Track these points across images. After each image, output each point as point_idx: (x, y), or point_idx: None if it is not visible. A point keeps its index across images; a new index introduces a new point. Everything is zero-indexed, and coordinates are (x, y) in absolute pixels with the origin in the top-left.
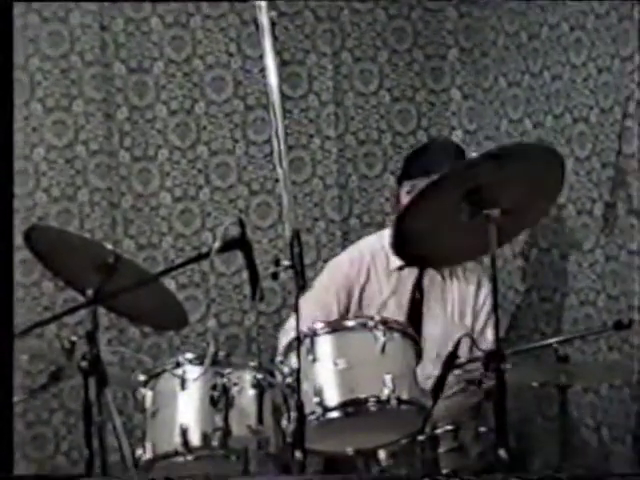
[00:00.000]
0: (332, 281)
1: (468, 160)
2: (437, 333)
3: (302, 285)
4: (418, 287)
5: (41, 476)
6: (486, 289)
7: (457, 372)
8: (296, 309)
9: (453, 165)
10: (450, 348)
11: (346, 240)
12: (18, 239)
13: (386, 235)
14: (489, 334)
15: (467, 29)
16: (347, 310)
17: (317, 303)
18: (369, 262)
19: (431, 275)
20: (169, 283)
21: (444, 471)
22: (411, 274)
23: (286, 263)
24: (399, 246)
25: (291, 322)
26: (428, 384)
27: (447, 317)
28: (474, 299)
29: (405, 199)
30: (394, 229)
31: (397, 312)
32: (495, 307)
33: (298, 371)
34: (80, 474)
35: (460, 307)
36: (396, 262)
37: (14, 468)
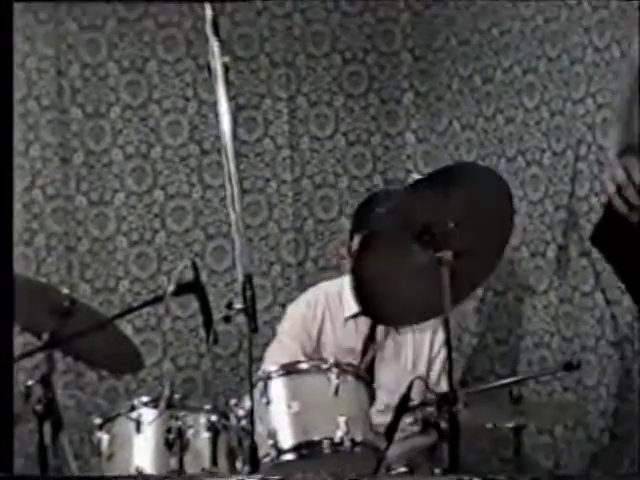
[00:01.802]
0: (292, 327)
1: (408, 185)
2: (389, 382)
3: (254, 328)
4: (371, 337)
5: (41, 476)
6: (441, 336)
7: (410, 415)
8: (250, 352)
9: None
10: (398, 395)
11: (302, 284)
12: None
13: (342, 282)
14: (444, 384)
15: (422, 73)
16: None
17: (282, 350)
18: (324, 306)
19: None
20: (125, 327)
21: None
22: (365, 323)
23: (238, 306)
24: (362, 302)
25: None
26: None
27: (400, 366)
28: (429, 347)
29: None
30: (352, 285)
31: (350, 359)
32: (449, 350)
33: (251, 413)
34: (80, 474)
35: (414, 355)
36: (350, 310)
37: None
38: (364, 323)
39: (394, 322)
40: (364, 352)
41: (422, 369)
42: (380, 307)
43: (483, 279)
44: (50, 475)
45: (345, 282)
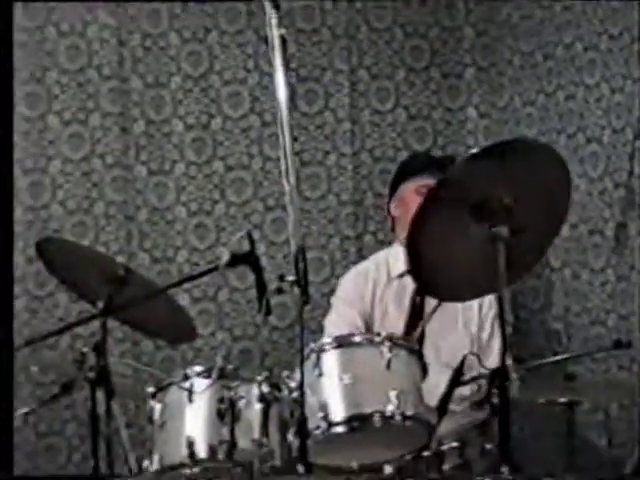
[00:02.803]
0: (347, 295)
1: (468, 155)
2: (439, 340)
3: (305, 300)
4: (419, 292)
5: (41, 477)
6: (490, 297)
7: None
8: (300, 323)
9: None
10: (454, 355)
11: (360, 257)
12: (32, 251)
13: (394, 247)
14: (495, 346)
15: (484, 48)
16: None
17: (341, 319)
18: (373, 274)
19: None
20: (183, 297)
21: None
22: (412, 281)
23: (291, 278)
24: (417, 275)
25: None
26: (435, 391)
27: (451, 322)
28: (479, 306)
29: (412, 197)
30: (407, 253)
31: (398, 318)
32: (502, 325)
33: (301, 385)
34: (79, 475)
35: (464, 314)
36: (397, 270)
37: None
38: (411, 282)
39: (445, 296)
40: (411, 309)
41: (473, 329)
42: (432, 279)
43: (539, 258)
44: (52, 475)
45: (393, 248)
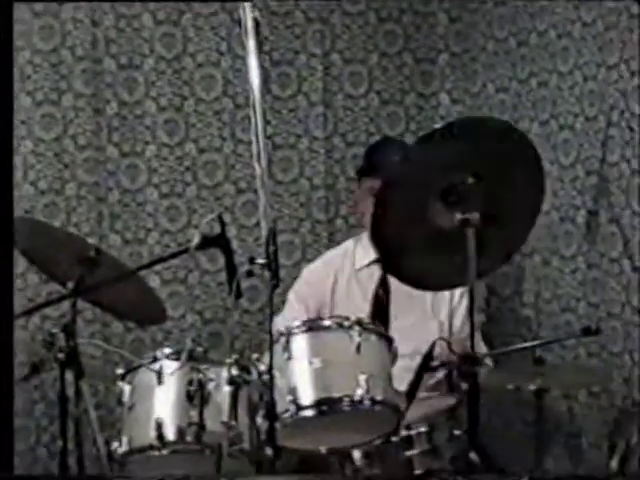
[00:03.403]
0: (300, 289)
1: (421, 136)
2: (407, 328)
3: (276, 284)
4: (382, 284)
5: (41, 476)
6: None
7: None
8: (270, 306)
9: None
10: (421, 343)
11: (332, 241)
12: None
13: (362, 237)
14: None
15: (457, 34)
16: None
17: (288, 313)
18: (338, 264)
19: None
20: (153, 279)
21: (417, 472)
22: (376, 272)
23: (261, 261)
24: (382, 254)
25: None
26: (400, 377)
27: (418, 311)
28: (450, 293)
29: (362, 198)
30: (373, 241)
31: (362, 310)
32: (471, 312)
33: (270, 369)
34: (80, 475)
35: (433, 301)
36: (362, 261)
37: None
38: (376, 271)
39: (412, 283)
40: (375, 300)
41: (443, 317)
42: (400, 265)
43: (515, 247)
44: (51, 475)
45: (361, 237)
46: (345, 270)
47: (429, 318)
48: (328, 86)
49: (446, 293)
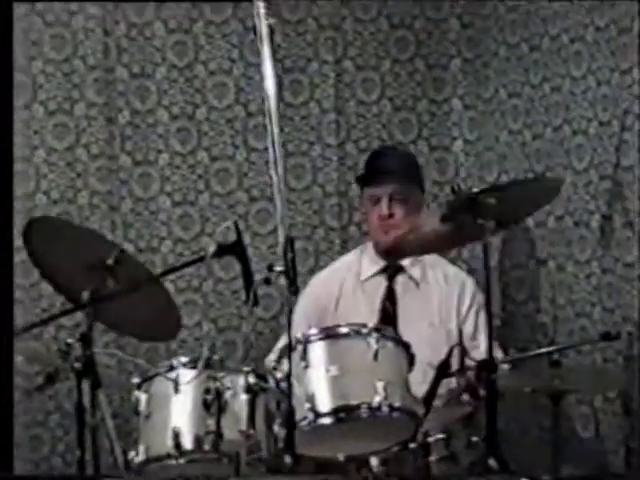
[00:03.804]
0: (305, 304)
1: (469, 193)
2: (415, 339)
3: (294, 291)
4: (389, 295)
5: (41, 476)
6: (471, 290)
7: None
8: (289, 314)
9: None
10: (431, 353)
11: (345, 248)
12: (18, 241)
13: (366, 246)
14: (481, 339)
15: (469, 40)
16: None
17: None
18: (342, 276)
19: (403, 281)
20: (167, 287)
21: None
22: (382, 283)
23: (279, 269)
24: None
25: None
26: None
27: (425, 321)
28: (458, 301)
29: (368, 205)
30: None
31: (369, 321)
32: (489, 317)
33: (289, 376)
34: (80, 474)
35: (441, 310)
36: (367, 272)
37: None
38: (382, 281)
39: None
40: (382, 313)
41: (451, 325)
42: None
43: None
44: (50, 475)
45: (366, 246)
46: (350, 281)
47: (437, 328)
48: (340, 93)
49: (454, 300)
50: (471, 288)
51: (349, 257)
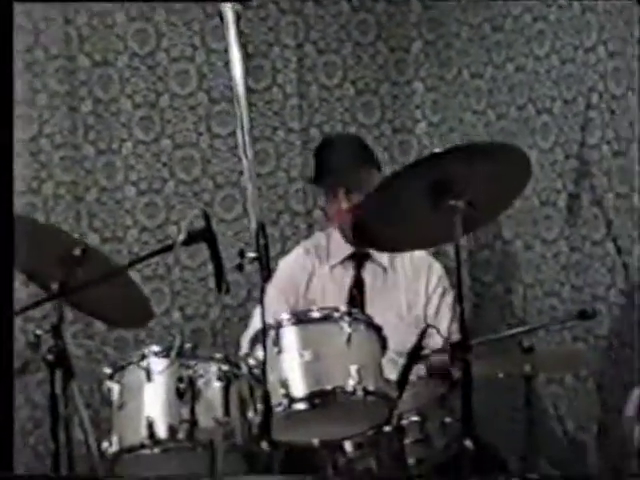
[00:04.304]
0: (279, 280)
1: (432, 153)
2: (383, 324)
3: (267, 276)
4: (357, 283)
5: (41, 476)
6: (437, 274)
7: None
8: (261, 300)
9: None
10: (399, 341)
11: (310, 232)
12: None
13: (330, 232)
14: (443, 320)
15: (431, 21)
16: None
17: (268, 303)
18: (314, 256)
19: (371, 268)
20: (134, 276)
21: (410, 462)
22: (350, 270)
23: (251, 255)
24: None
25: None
26: None
27: (394, 310)
28: (425, 286)
29: (329, 199)
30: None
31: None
32: (460, 298)
33: (264, 362)
34: (81, 474)
35: (408, 297)
36: (335, 259)
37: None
38: (350, 269)
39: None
40: (351, 297)
41: (419, 311)
42: (374, 235)
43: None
44: (50, 475)
45: (330, 232)
46: (320, 265)
47: (405, 316)
48: (303, 77)
49: (422, 287)
50: (437, 272)
51: (315, 240)
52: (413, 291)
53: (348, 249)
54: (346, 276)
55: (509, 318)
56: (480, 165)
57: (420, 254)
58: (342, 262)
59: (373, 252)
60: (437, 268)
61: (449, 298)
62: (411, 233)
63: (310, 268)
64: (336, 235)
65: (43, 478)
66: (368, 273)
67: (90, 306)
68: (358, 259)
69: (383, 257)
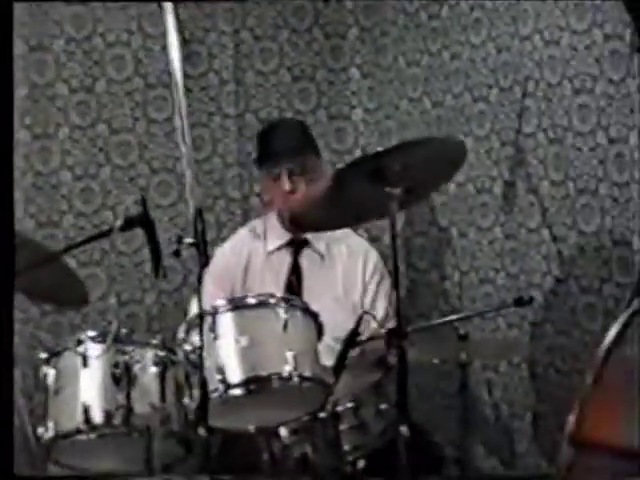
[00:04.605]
0: (214, 271)
1: (374, 152)
2: (321, 311)
3: (205, 262)
4: (294, 270)
5: (41, 476)
6: (373, 261)
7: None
8: (199, 285)
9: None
10: (336, 327)
11: (247, 218)
12: None
13: (269, 218)
14: (380, 307)
15: (367, 8)
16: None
17: (205, 295)
18: (249, 246)
19: (308, 255)
20: (69, 262)
21: (346, 448)
22: (287, 257)
23: (189, 240)
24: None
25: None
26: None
27: (331, 296)
28: (362, 273)
29: (270, 185)
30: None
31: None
32: (396, 285)
33: (201, 348)
34: (82, 475)
35: (345, 284)
36: (272, 245)
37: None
38: (287, 255)
39: (316, 227)
40: (288, 284)
41: (356, 297)
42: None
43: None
44: (50, 475)
45: (269, 217)
46: (257, 252)
47: (342, 302)
48: (239, 63)
49: (358, 274)
50: (374, 259)
51: (252, 227)
52: (349, 278)
53: (286, 235)
54: (283, 262)
55: (444, 305)
56: (416, 156)
57: (357, 241)
58: (279, 248)
59: (311, 239)
60: (374, 255)
61: (386, 284)
62: (350, 214)
63: (246, 256)
64: (274, 221)
65: (43, 478)
66: (305, 260)
67: (27, 289)
68: (296, 246)
69: (320, 244)
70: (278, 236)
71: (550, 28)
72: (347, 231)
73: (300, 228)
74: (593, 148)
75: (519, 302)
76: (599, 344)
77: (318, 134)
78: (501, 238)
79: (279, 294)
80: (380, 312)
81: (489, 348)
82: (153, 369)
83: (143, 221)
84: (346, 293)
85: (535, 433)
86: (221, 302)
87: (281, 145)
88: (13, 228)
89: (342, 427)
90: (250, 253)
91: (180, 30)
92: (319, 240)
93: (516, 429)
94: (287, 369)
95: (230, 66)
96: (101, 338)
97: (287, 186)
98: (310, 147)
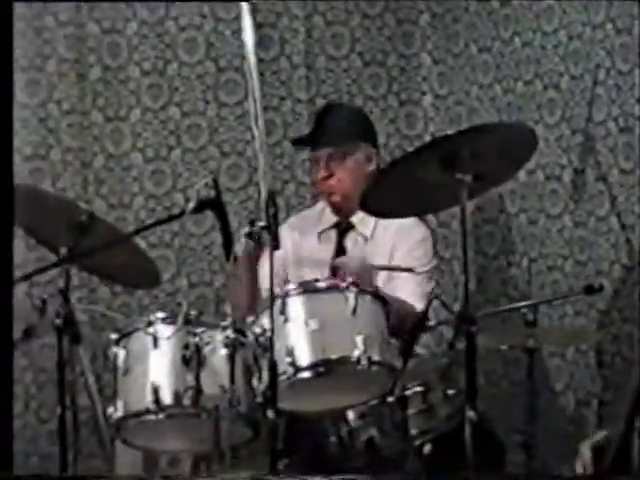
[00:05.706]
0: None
1: (444, 134)
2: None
3: (276, 246)
4: (339, 251)
5: (42, 476)
6: (415, 239)
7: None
8: (271, 269)
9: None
10: None
11: (316, 202)
12: None
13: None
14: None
15: None
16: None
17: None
18: (306, 226)
19: (353, 239)
20: (139, 243)
21: (412, 432)
22: (333, 238)
23: (261, 224)
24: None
25: None
26: None
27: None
28: (389, 257)
29: (313, 168)
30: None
31: (323, 273)
32: (465, 271)
33: (272, 331)
34: (84, 475)
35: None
36: (323, 225)
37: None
38: (333, 237)
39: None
40: (333, 265)
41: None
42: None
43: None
44: (50, 475)
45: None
46: (310, 231)
47: (384, 283)
48: (310, 48)
49: (397, 253)
50: (416, 237)
51: (317, 207)
52: (390, 260)
53: (334, 218)
54: (330, 243)
55: (512, 291)
56: (486, 142)
57: (410, 222)
58: (328, 229)
59: (356, 223)
60: (417, 233)
61: (424, 261)
62: (420, 201)
63: (302, 233)
64: (324, 204)
65: (43, 478)
66: (350, 242)
67: (98, 269)
68: (342, 229)
69: (366, 228)
70: (329, 217)
71: (622, 16)
72: None
73: (369, 212)
74: None
75: (589, 290)
76: None
77: (388, 120)
78: (570, 226)
79: (325, 274)
80: (404, 288)
81: (557, 335)
82: (223, 351)
83: (215, 204)
84: (389, 275)
85: (600, 421)
86: (292, 285)
87: (324, 128)
88: (13, 227)
89: (410, 411)
90: (305, 231)
91: (253, 14)
92: (365, 223)
93: (582, 416)
94: (356, 353)
95: (302, 51)
96: (171, 319)
97: (323, 171)
98: (359, 136)
